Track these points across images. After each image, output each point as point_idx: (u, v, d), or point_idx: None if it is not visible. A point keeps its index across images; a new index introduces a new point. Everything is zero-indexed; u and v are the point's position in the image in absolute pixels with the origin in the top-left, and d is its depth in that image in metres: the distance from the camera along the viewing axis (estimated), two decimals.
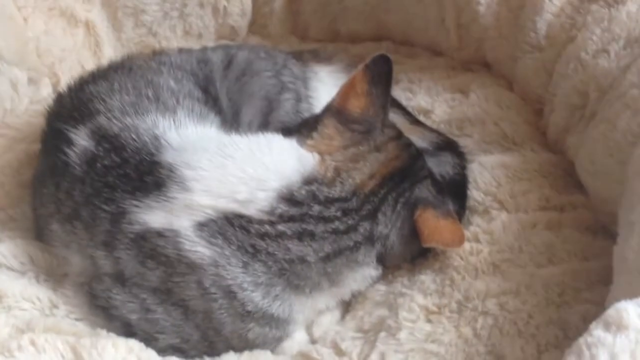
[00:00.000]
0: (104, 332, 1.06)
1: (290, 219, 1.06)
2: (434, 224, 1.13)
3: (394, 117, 1.36)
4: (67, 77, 1.59)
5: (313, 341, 1.16)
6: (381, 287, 1.19)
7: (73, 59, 1.64)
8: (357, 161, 1.13)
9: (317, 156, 1.12)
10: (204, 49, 1.43)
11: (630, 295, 0.83)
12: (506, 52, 1.56)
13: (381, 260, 1.13)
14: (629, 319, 0.78)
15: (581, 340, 0.80)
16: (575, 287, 1.12)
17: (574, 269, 1.15)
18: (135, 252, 1.05)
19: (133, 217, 1.06)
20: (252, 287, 1.04)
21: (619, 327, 0.78)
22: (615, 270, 1.03)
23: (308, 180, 1.09)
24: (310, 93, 1.41)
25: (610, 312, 0.80)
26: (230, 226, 1.05)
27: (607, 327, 0.79)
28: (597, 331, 0.79)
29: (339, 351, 1.11)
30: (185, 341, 1.06)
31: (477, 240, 1.21)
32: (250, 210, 1.05)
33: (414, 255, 1.20)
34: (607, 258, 1.09)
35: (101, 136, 1.14)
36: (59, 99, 1.31)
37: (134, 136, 1.13)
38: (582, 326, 0.89)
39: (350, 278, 1.12)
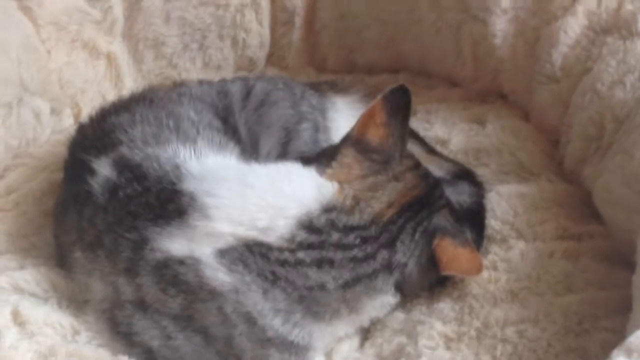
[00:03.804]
0: (125, 359, 1.06)
1: (310, 246, 1.07)
2: (453, 252, 1.13)
3: (412, 147, 1.36)
4: (88, 107, 1.62)
5: None
6: (400, 315, 1.19)
7: (94, 90, 1.67)
8: (376, 190, 1.13)
9: (336, 185, 1.12)
10: (224, 81, 1.45)
11: None
12: (522, 84, 1.58)
13: (399, 288, 1.13)
14: None
15: None
16: (594, 315, 1.11)
17: (592, 298, 1.15)
18: (157, 279, 1.06)
19: (155, 244, 1.07)
20: (272, 313, 1.05)
21: None
22: (635, 299, 1.03)
23: (327, 208, 1.10)
24: (328, 123, 1.42)
25: (632, 339, 0.81)
26: (250, 253, 1.05)
27: (629, 354, 0.79)
28: (619, 358, 0.80)
29: None
30: None
31: (496, 269, 1.21)
32: (270, 238, 1.06)
33: (431, 283, 1.20)
34: (626, 287, 1.09)
35: (123, 166, 1.16)
36: (81, 129, 1.33)
37: (155, 165, 1.15)
38: (601, 354, 0.89)
39: (369, 305, 1.12)
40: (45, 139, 1.57)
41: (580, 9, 1.45)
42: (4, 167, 1.49)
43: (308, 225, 1.08)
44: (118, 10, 1.67)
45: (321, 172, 1.14)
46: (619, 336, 0.96)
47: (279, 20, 1.81)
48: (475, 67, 1.66)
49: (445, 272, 1.15)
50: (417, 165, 1.22)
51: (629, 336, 0.81)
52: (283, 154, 1.31)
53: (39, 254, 1.28)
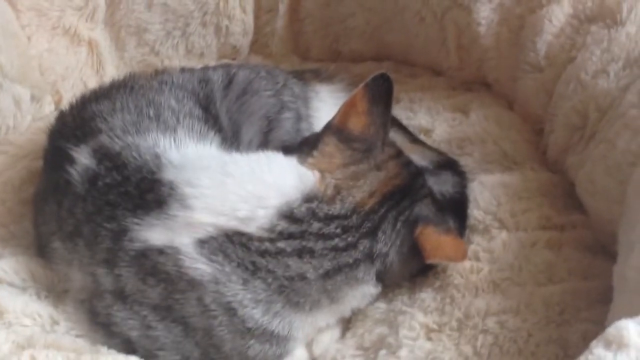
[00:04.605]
0: (104, 349, 1.06)
1: (290, 236, 1.07)
2: (436, 240, 1.13)
3: (395, 136, 1.36)
4: (69, 95, 1.61)
5: (313, 359, 1.16)
6: (381, 305, 1.19)
7: (76, 77, 1.65)
8: (358, 179, 1.13)
9: (317, 174, 1.12)
10: (206, 69, 1.44)
11: (631, 314, 0.83)
12: (506, 73, 1.57)
13: (381, 278, 1.13)
14: (629, 337, 0.78)
15: (582, 358, 0.80)
16: (575, 306, 1.12)
17: (574, 288, 1.15)
18: (136, 269, 1.05)
19: (134, 234, 1.06)
20: (252, 304, 1.04)
21: (620, 345, 0.78)
22: (616, 290, 1.03)
23: (308, 198, 1.09)
24: (311, 112, 1.42)
25: (611, 330, 0.80)
26: (230, 243, 1.05)
27: (607, 345, 0.79)
28: (597, 349, 0.79)
29: None
30: (186, 358, 1.06)
31: (478, 259, 1.21)
32: (251, 228, 1.06)
33: (413, 273, 1.20)
34: (607, 278, 1.09)
35: (103, 155, 1.15)
36: (61, 117, 1.32)
37: (135, 155, 1.14)
38: (582, 345, 0.89)
39: (350, 295, 1.11)
40: (25, 126, 1.56)
41: None
42: None
43: (288, 215, 1.07)
44: None
45: (302, 161, 1.14)
46: (599, 327, 0.96)
47: (263, 7, 1.79)
48: (459, 56, 1.66)
49: (430, 260, 1.15)
50: (399, 154, 1.22)
51: (608, 327, 0.81)
52: (264, 143, 1.30)
53: (18, 243, 1.27)
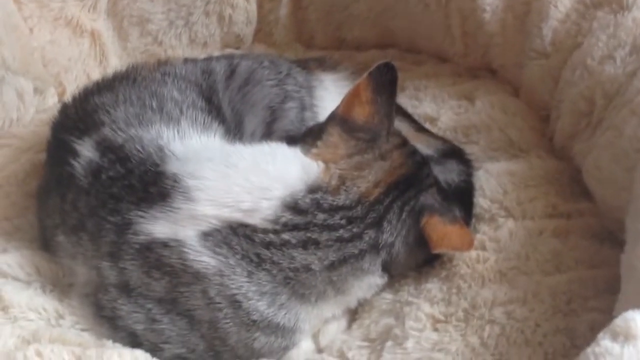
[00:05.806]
0: (109, 343, 1.06)
1: (295, 227, 1.06)
2: (442, 229, 1.13)
3: (400, 124, 1.35)
4: (73, 86, 1.61)
5: (319, 350, 1.16)
6: (388, 296, 1.18)
7: (79, 69, 1.65)
8: (362, 169, 1.12)
9: (321, 164, 1.11)
10: (209, 59, 1.43)
11: (639, 304, 0.82)
12: (512, 59, 1.56)
13: (386, 268, 1.13)
14: (637, 328, 0.78)
15: (589, 350, 0.79)
16: (583, 295, 1.11)
17: (581, 277, 1.14)
18: (141, 262, 1.05)
19: (138, 227, 1.06)
20: (257, 296, 1.04)
21: (627, 337, 0.78)
22: (623, 279, 1.03)
23: (312, 189, 1.09)
24: (315, 102, 1.41)
25: (618, 321, 0.80)
26: (234, 235, 1.05)
27: (614, 337, 0.79)
28: (604, 341, 0.79)
29: None
30: (191, 351, 1.06)
31: (484, 248, 1.21)
32: (255, 220, 1.05)
33: (419, 263, 1.19)
34: (615, 266, 1.08)
35: (106, 147, 1.15)
36: (64, 109, 1.31)
37: (138, 147, 1.13)
38: (590, 335, 0.89)
39: (356, 286, 1.11)
40: (29, 119, 1.55)
41: None
42: None
43: (293, 206, 1.07)
44: None
45: (306, 152, 1.14)
46: (607, 316, 0.96)
47: None
48: (464, 43, 1.64)
49: (436, 250, 1.14)
50: (404, 143, 1.21)
51: (616, 318, 0.81)
52: (268, 134, 1.30)
53: (23, 237, 1.27)
